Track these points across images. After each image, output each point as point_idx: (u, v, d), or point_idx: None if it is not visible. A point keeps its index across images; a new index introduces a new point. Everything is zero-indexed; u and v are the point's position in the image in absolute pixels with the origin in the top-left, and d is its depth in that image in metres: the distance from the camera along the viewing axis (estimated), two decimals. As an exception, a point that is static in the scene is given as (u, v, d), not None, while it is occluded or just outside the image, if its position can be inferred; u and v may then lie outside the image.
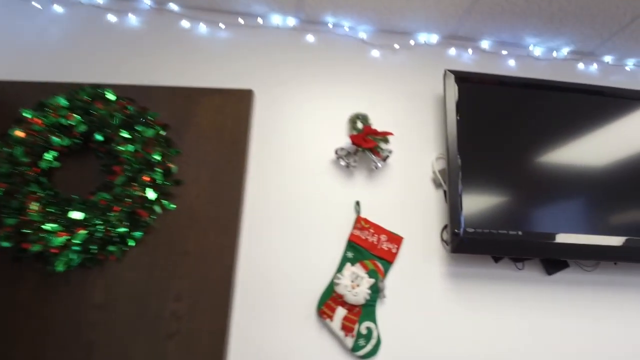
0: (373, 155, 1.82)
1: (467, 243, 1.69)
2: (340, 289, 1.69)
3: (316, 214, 1.81)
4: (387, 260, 1.76)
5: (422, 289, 1.78)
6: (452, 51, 2.11)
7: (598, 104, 1.96)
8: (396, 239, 1.79)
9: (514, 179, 1.80)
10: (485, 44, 2.11)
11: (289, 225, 1.79)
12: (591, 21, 1.96)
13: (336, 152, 1.83)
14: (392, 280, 1.77)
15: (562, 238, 1.75)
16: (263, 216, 1.79)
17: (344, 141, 1.90)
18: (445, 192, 1.87)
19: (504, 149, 1.84)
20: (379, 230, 1.79)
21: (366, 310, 1.70)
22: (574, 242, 1.76)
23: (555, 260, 1.85)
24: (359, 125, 1.90)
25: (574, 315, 1.82)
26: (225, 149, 1.75)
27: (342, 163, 1.82)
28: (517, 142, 1.85)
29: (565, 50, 2.14)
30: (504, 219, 1.75)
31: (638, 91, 1.99)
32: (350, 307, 1.69)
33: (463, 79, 1.89)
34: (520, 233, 1.74)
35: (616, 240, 1.80)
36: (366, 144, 1.79)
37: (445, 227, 1.85)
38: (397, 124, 1.97)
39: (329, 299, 1.70)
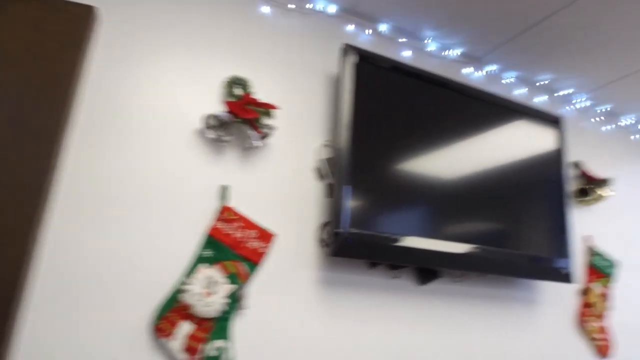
0: (251, 130, 1.46)
1: (350, 245, 1.45)
2: (188, 298, 1.30)
3: (166, 198, 1.39)
4: (253, 261, 1.43)
5: (292, 297, 1.49)
6: (351, 27, 1.86)
7: (481, 111, 1.91)
8: (267, 236, 1.46)
9: (402, 177, 1.63)
10: (383, 27, 1.91)
11: (125, 210, 1.33)
12: (484, 28, 1.89)
13: (205, 121, 1.43)
14: (256, 287, 1.45)
15: (433, 245, 1.63)
16: (86, 195, 1.30)
17: (216, 108, 1.51)
18: (329, 184, 1.61)
19: (396, 143, 1.65)
20: (248, 224, 1.45)
21: (220, 325, 1.34)
22: (450, 251, 1.65)
23: (427, 269, 1.73)
24: (238, 91, 1.52)
25: (444, 325, 1.73)
26: (38, 82, 1.20)
27: (211, 135, 1.43)
28: (408, 137, 1.68)
29: (457, 52, 2.06)
30: (389, 221, 1.56)
31: (519, 103, 2.00)
32: (200, 322, 1.32)
33: (364, 57, 1.65)
34: (403, 237, 1.56)
35: (499, 254, 1.75)
36: (245, 114, 1.43)
37: (324, 225, 1.58)
38: (282, 98, 1.64)
39: (170, 311, 1.30)
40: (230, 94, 1.51)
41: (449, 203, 1.72)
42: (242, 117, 1.42)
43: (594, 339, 2.09)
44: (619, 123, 2.60)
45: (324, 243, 1.56)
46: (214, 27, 1.59)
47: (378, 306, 1.63)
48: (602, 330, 2.12)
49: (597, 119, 2.49)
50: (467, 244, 1.71)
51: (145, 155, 1.38)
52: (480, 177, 1.82)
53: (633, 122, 2.61)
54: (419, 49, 1.99)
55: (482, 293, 1.86)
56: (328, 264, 1.57)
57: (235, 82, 1.53)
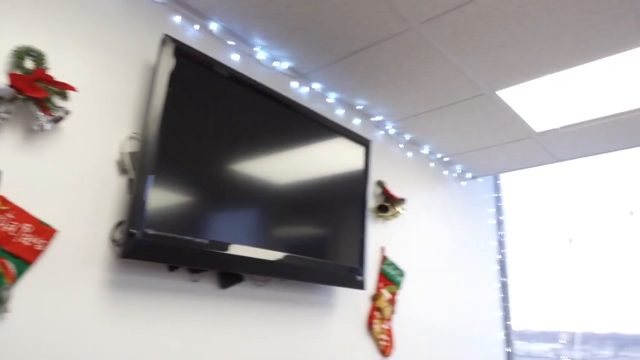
0: (39, 111, 1.29)
1: (144, 247, 1.38)
2: None
3: None
4: (25, 259, 1.26)
5: (74, 300, 1.35)
6: (178, 19, 1.78)
7: (301, 125, 2.01)
8: (46, 232, 1.30)
9: (211, 180, 1.61)
10: (214, 26, 1.88)
11: None
12: (312, 47, 2.01)
13: (-22, 91, 1.21)
14: (30, 289, 1.27)
15: (241, 250, 1.66)
16: None
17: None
18: (130, 180, 1.51)
19: (209, 145, 1.63)
20: (23, 216, 1.27)
21: (-29, 331, 1.14)
22: (253, 257, 1.69)
23: (230, 273, 1.74)
24: (29, 64, 1.33)
25: (245, 329, 1.75)
26: None
27: (-16, 109, 1.22)
28: (223, 142, 1.68)
29: (285, 65, 2.14)
30: (192, 224, 1.52)
31: (336, 123, 2.16)
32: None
33: (185, 53, 1.59)
34: (206, 241, 1.55)
35: (303, 261, 1.84)
36: (33, 91, 1.25)
37: (119, 224, 1.47)
38: (88, 81, 1.49)
39: None
40: (18, 66, 1.31)
41: (257, 210, 1.76)
42: (27, 95, 1.24)
43: (379, 340, 2.35)
44: (421, 151, 2.99)
45: (116, 243, 1.45)
46: (7, -15, 1.37)
47: (177, 311, 1.57)
48: (386, 332, 2.39)
49: (402, 145, 2.84)
50: (272, 251, 1.77)
51: None
52: (290, 188, 1.90)
53: (430, 151, 3.04)
54: (249, 55, 2.01)
55: (284, 297, 1.94)
56: (121, 266, 1.46)
57: (27, 53, 1.34)
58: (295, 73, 2.20)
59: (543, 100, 2.37)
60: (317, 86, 2.30)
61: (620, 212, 3.22)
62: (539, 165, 3.18)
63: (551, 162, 3.13)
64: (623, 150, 3.05)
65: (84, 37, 1.50)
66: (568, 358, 3.29)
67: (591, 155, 2.97)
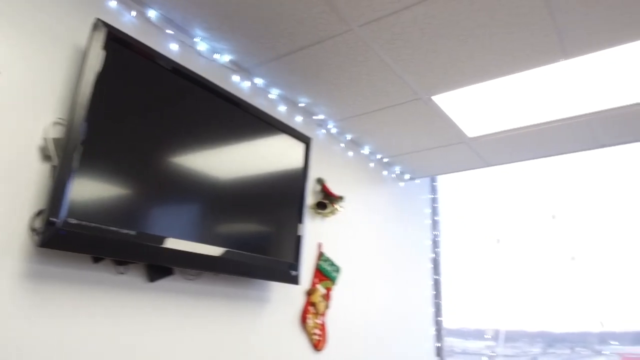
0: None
1: (65, 237, 1.33)
2: None
3: None
4: None
5: (-18, 291, 1.28)
6: (113, 4, 1.73)
7: (242, 120, 2.00)
8: (-43, 218, 1.23)
9: (143, 172, 1.58)
10: (152, 14, 1.84)
11: None
12: (255, 41, 2.01)
13: None
14: None
15: (175, 244, 1.64)
16: None
17: None
18: (54, 167, 1.45)
19: (142, 136, 1.59)
20: None
21: None
22: (189, 250, 1.68)
23: (160, 266, 1.71)
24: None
25: (175, 324, 1.73)
26: None
27: None
28: (158, 133, 1.65)
29: (226, 57, 2.13)
30: (120, 214, 1.49)
31: (278, 119, 2.17)
32: None
33: (118, 39, 1.55)
34: (134, 233, 1.51)
35: (237, 255, 1.84)
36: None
37: (39, 212, 1.41)
38: (9, 62, 1.41)
39: None
40: None
41: (193, 204, 1.74)
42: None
43: (312, 335, 2.39)
44: (361, 151, 3.07)
45: (35, 232, 1.39)
46: None
47: (100, 304, 1.53)
48: (320, 326, 2.44)
49: (343, 144, 2.89)
50: (206, 245, 1.75)
51: None
52: (228, 183, 1.90)
53: (370, 152, 3.12)
54: (188, 46, 1.99)
55: (216, 291, 1.93)
56: (41, 256, 1.40)
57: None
58: (236, 67, 2.19)
59: (476, 106, 2.50)
60: (259, 81, 2.30)
61: (543, 215, 3.45)
62: (471, 169, 3.35)
63: (483, 166, 3.30)
64: (548, 158, 3.27)
65: (8, 18, 1.43)
66: (498, 354, 3.48)
67: (519, 161, 3.17)
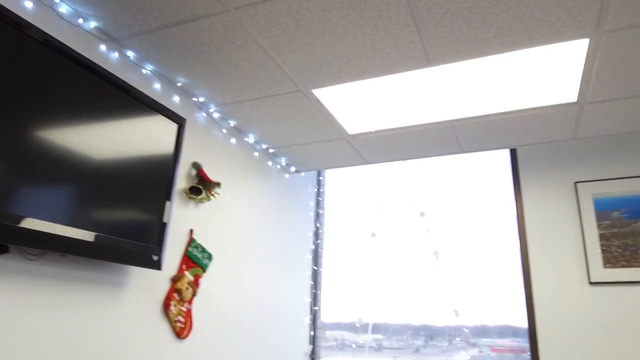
0: None
1: None
2: None
3: None
4: None
5: None
6: (-53, -57, 1.52)
7: (110, 96, 1.88)
8: None
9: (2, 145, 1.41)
10: (0, -37, 1.64)
11: None
12: (125, 9, 1.89)
13: None
14: None
15: (35, 225, 1.49)
16: None
17: None
18: None
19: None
20: None
21: None
22: (49, 232, 1.53)
23: (-5, 244, 1.55)
24: None
25: (11, 309, 1.57)
26: None
27: None
28: (13, 104, 1.48)
29: (92, 24, 1.98)
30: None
31: (151, 98, 2.06)
32: None
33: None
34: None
35: (89, 235, 1.72)
36: None
37: None
38: None
39: None
40: None
41: (47, 181, 1.59)
42: None
43: (175, 322, 2.32)
44: (245, 139, 3.04)
45: None
46: None
47: None
48: (185, 314, 2.38)
49: (225, 130, 2.85)
50: (55, 224, 1.62)
51: None
52: (91, 161, 1.77)
53: (255, 141, 3.11)
54: (47, 6, 1.81)
55: (64, 274, 1.79)
56: None
57: None
58: (104, 35, 2.05)
59: (356, 104, 2.61)
60: (131, 54, 2.17)
61: (413, 212, 3.71)
62: (352, 165, 3.49)
63: (362, 163, 3.46)
64: (421, 159, 3.51)
65: None
66: (383, 347, 3.65)
67: (394, 160, 3.36)
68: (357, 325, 3.67)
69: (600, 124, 2.71)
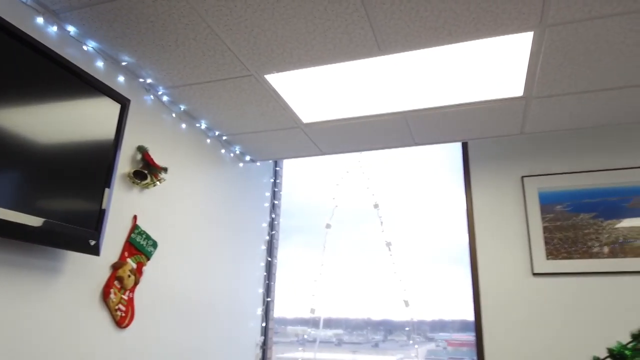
0: None
1: None
2: None
3: None
4: None
5: None
6: None
7: (48, 73, 1.77)
8: None
9: None
10: None
11: None
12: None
13: None
14: None
15: None
16: None
17: None
18: None
19: None
20: None
21: None
22: None
23: None
24: None
25: None
26: None
27: None
28: None
29: (28, -6, 1.87)
30: None
31: (92, 77, 1.96)
32: None
33: None
34: None
35: (22, 218, 1.63)
36: None
37: None
38: None
39: None
40: None
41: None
42: None
43: (115, 311, 2.23)
44: (197, 125, 2.96)
45: None
46: None
47: None
48: (126, 302, 2.29)
49: (175, 115, 2.76)
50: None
51: None
52: (31, 142, 1.66)
53: (207, 127, 3.04)
54: (-26, -30, 1.69)
55: (-15, 257, 1.68)
56: None
57: None
58: (41, 7, 1.94)
59: (311, 92, 2.58)
60: (71, 29, 2.06)
61: (368, 205, 3.73)
62: (307, 155, 3.47)
63: (318, 154, 3.44)
64: (377, 150, 3.52)
65: None
66: (343, 342, 3.65)
67: (349, 152, 3.36)
68: (313, 318, 3.66)
69: (546, 120, 2.80)
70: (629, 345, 2.04)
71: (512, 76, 2.35)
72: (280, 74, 2.39)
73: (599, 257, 2.93)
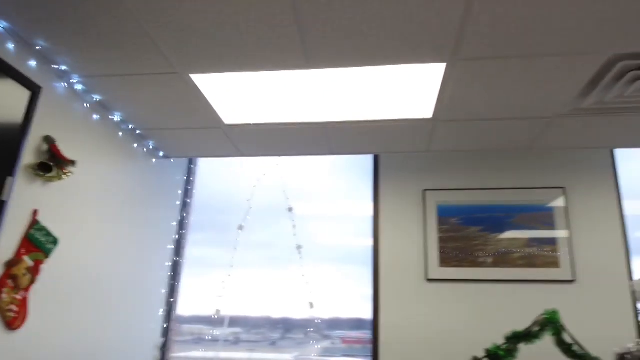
0: None
1: None
2: None
3: None
4: None
5: None
6: None
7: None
8: None
9: None
10: None
11: None
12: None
13: None
14: None
15: None
16: None
17: None
18: None
19: None
20: None
21: None
22: None
23: None
24: None
25: None
26: None
27: None
28: None
29: None
30: None
31: (7, 64, 1.80)
32: None
33: None
34: None
35: None
36: None
37: None
38: None
39: None
40: None
41: None
42: None
43: (6, 311, 2.06)
44: (110, 117, 2.82)
45: None
46: None
47: None
48: (19, 302, 2.12)
49: (88, 105, 2.61)
50: None
51: None
52: None
53: (121, 120, 2.90)
54: None
55: None
56: None
57: None
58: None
59: (235, 95, 2.59)
60: (-24, 3, 1.88)
61: (282, 208, 3.81)
62: (226, 156, 3.46)
63: (237, 155, 3.44)
64: (295, 156, 3.62)
65: None
66: (241, 340, 3.64)
67: (268, 155, 3.42)
68: (214, 317, 3.65)
69: (450, 140, 3.10)
70: (503, 347, 2.35)
71: (425, 99, 2.58)
72: (206, 75, 2.38)
73: (483, 267, 3.30)
